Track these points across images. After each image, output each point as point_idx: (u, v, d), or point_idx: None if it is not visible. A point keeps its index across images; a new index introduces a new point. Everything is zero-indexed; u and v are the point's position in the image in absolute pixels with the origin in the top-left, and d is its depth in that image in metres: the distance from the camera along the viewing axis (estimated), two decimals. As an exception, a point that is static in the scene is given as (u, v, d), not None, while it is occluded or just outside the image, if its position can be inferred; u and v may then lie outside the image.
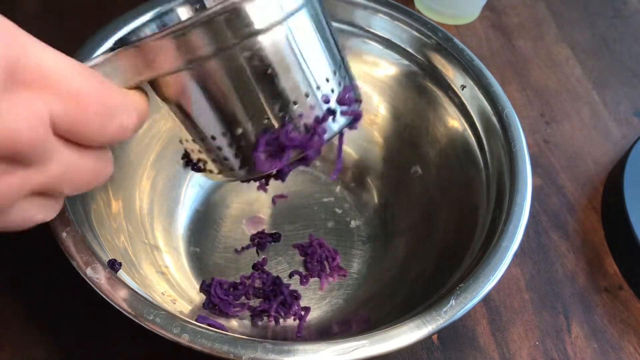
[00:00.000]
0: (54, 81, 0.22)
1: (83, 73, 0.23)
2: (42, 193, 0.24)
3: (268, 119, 0.27)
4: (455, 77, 0.43)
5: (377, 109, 0.48)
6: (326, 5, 0.46)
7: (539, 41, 0.64)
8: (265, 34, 0.26)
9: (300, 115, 0.27)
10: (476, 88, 0.42)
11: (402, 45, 0.45)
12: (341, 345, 0.29)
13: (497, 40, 0.63)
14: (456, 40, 0.44)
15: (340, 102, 0.28)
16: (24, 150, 0.21)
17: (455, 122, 0.44)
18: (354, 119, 0.30)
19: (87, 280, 0.30)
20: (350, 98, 0.29)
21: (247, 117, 0.27)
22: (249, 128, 0.27)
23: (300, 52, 0.27)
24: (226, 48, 0.25)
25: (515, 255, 0.34)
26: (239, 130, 0.27)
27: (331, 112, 0.28)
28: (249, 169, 0.29)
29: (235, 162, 0.29)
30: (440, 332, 0.40)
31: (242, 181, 0.31)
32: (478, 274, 0.33)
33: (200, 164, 0.30)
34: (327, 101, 0.28)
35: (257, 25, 0.25)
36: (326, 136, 0.28)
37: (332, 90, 0.28)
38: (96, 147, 0.25)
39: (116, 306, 0.30)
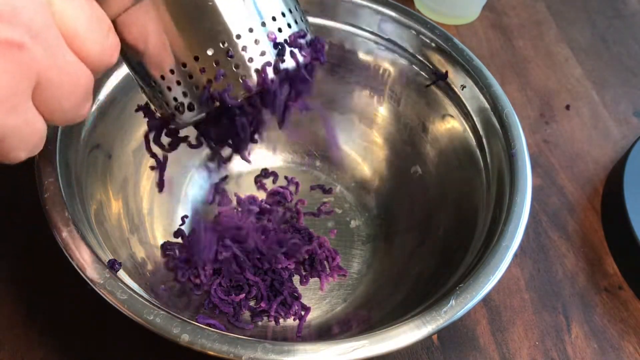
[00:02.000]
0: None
1: None
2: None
3: (213, 51, 0.28)
4: (455, 77, 0.43)
5: (377, 109, 0.48)
6: (327, 4, 0.47)
7: (538, 41, 0.64)
8: None
9: (245, 49, 0.28)
10: (476, 88, 0.42)
11: (402, 45, 0.45)
12: (341, 345, 0.29)
13: (497, 40, 0.63)
14: (456, 40, 0.44)
15: (290, 43, 0.29)
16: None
17: (455, 122, 0.44)
18: (306, 64, 0.30)
19: (87, 281, 0.30)
20: (301, 41, 0.29)
21: (194, 50, 0.28)
22: (196, 62, 0.28)
23: None
24: None
25: (515, 255, 0.34)
26: (187, 65, 0.28)
27: (277, 47, 0.28)
28: (198, 107, 0.29)
29: (185, 101, 0.29)
30: (440, 332, 0.40)
31: (195, 126, 0.31)
32: (478, 274, 0.33)
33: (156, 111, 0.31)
34: (273, 38, 0.28)
35: None
36: (270, 74, 0.28)
37: (280, 30, 0.29)
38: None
39: (116, 306, 0.30)
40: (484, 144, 0.41)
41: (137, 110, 0.33)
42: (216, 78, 0.28)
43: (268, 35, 0.28)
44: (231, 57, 0.28)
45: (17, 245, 0.42)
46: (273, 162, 0.49)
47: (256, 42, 0.28)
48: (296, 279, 0.44)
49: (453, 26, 0.63)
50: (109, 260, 0.33)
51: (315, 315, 0.42)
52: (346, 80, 0.48)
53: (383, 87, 0.47)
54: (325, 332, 0.41)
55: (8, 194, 0.44)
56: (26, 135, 0.24)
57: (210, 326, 0.30)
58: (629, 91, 0.61)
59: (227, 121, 0.31)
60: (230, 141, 0.33)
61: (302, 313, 0.41)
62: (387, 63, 0.46)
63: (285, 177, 0.49)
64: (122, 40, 0.28)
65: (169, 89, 0.29)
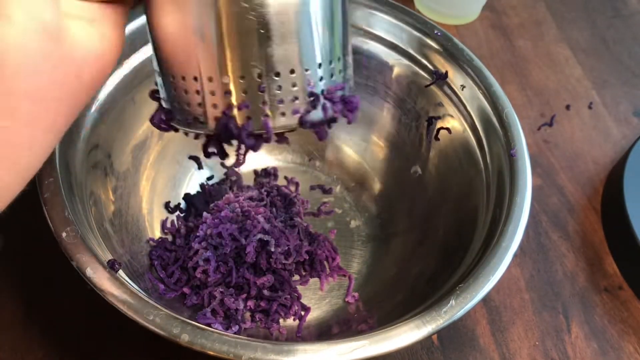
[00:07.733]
0: None
1: None
2: None
3: (246, 79, 0.25)
4: (455, 77, 0.43)
5: (377, 108, 0.48)
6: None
7: (539, 41, 0.64)
8: None
9: (279, 88, 0.26)
10: (476, 88, 0.42)
11: (402, 45, 0.45)
12: (341, 345, 0.29)
13: (497, 40, 0.63)
14: (456, 40, 0.44)
15: (326, 94, 0.27)
16: None
17: (455, 122, 0.44)
18: (332, 119, 0.28)
19: (87, 280, 0.30)
20: (336, 95, 0.27)
21: (225, 70, 0.25)
22: (224, 82, 0.26)
23: (303, 26, 0.25)
24: None
25: (515, 255, 0.34)
26: (212, 80, 0.26)
27: (312, 97, 0.27)
28: (207, 125, 0.27)
29: (198, 111, 0.27)
30: (440, 332, 0.40)
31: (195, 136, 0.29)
32: (478, 274, 0.33)
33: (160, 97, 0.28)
34: (311, 86, 0.26)
35: None
36: (293, 121, 0.26)
37: (321, 78, 0.27)
38: None
39: (116, 306, 0.30)
40: (484, 144, 0.41)
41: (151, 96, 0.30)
42: (239, 107, 0.26)
43: (308, 81, 0.26)
44: (262, 92, 0.26)
45: (16, 246, 0.42)
46: (273, 162, 0.49)
47: (293, 85, 0.26)
48: (296, 278, 0.44)
49: (453, 26, 0.63)
50: (109, 260, 0.33)
51: (315, 315, 0.42)
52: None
53: (383, 87, 0.47)
54: (325, 332, 0.41)
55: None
56: None
57: (209, 326, 0.30)
58: (629, 91, 0.61)
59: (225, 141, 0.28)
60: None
61: (302, 313, 0.41)
62: (387, 63, 0.46)
63: (285, 177, 0.49)
64: (153, 22, 0.26)
65: (186, 91, 0.27)
